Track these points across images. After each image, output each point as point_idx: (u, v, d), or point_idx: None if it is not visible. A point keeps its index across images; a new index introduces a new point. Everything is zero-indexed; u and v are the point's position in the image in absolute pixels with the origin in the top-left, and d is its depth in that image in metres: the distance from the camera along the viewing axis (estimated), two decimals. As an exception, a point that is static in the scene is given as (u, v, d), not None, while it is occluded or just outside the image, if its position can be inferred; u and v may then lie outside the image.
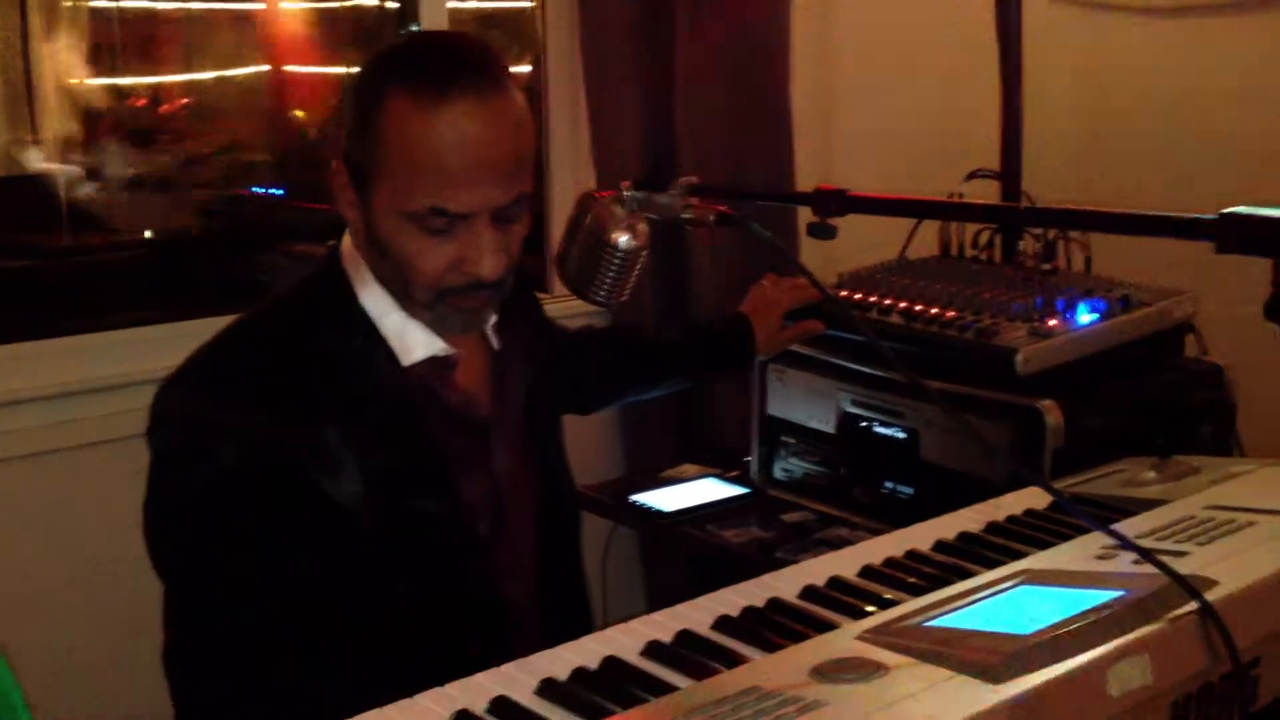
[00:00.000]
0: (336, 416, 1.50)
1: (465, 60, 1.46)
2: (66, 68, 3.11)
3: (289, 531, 1.48)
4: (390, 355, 1.54)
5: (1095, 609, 1.15)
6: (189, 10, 3.33)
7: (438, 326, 1.56)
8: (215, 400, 1.49)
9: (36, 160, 3.05)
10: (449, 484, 1.58)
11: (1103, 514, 1.50)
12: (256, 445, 1.46)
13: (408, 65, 1.46)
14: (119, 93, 3.27)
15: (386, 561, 1.53)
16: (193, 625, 1.52)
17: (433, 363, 1.58)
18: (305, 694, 1.48)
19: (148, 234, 3.23)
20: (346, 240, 1.60)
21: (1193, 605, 1.15)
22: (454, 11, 2.79)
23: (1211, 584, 1.20)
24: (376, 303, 1.56)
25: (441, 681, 1.16)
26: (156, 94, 3.38)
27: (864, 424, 2.15)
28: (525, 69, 3.12)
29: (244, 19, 3.40)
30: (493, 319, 1.63)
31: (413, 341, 1.56)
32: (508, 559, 1.67)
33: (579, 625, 1.80)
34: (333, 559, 1.51)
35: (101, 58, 3.23)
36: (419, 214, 1.45)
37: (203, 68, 3.40)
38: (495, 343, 1.67)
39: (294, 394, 1.49)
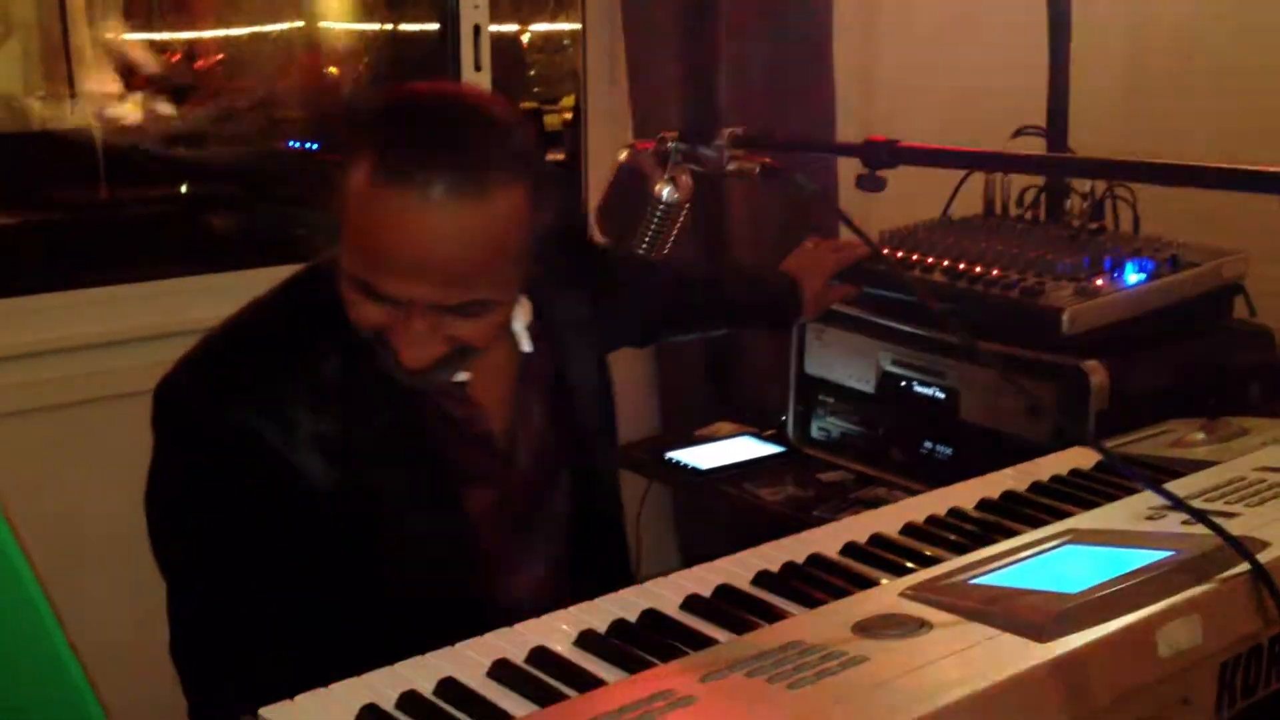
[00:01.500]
0: (333, 420, 1.46)
1: (451, 145, 1.33)
2: (103, 23, 3.11)
3: (285, 534, 1.46)
4: (392, 359, 1.43)
5: (1144, 569, 1.13)
6: (226, -36, 3.33)
7: (400, 376, 1.46)
8: (215, 398, 1.45)
9: (73, 114, 3.06)
10: (450, 495, 1.53)
11: (1151, 475, 1.48)
12: (250, 448, 1.43)
13: (388, 131, 1.35)
14: (155, 48, 3.27)
15: (385, 569, 1.50)
16: (191, 621, 1.51)
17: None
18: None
19: (183, 188, 3.24)
20: None
21: (1244, 566, 1.14)
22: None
23: (1263, 545, 1.19)
24: None
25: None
26: (192, 49, 3.37)
27: (903, 383, 2.13)
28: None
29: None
30: (525, 320, 1.56)
31: None
32: (525, 568, 1.62)
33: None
34: (331, 564, 1.48)
35: (138, 13, 3.23)
36: (358, 281, 1.37)
37: (238, 23, 3.40)
38: (526, 344, 1.58)
39: (295, 395, 1.45)
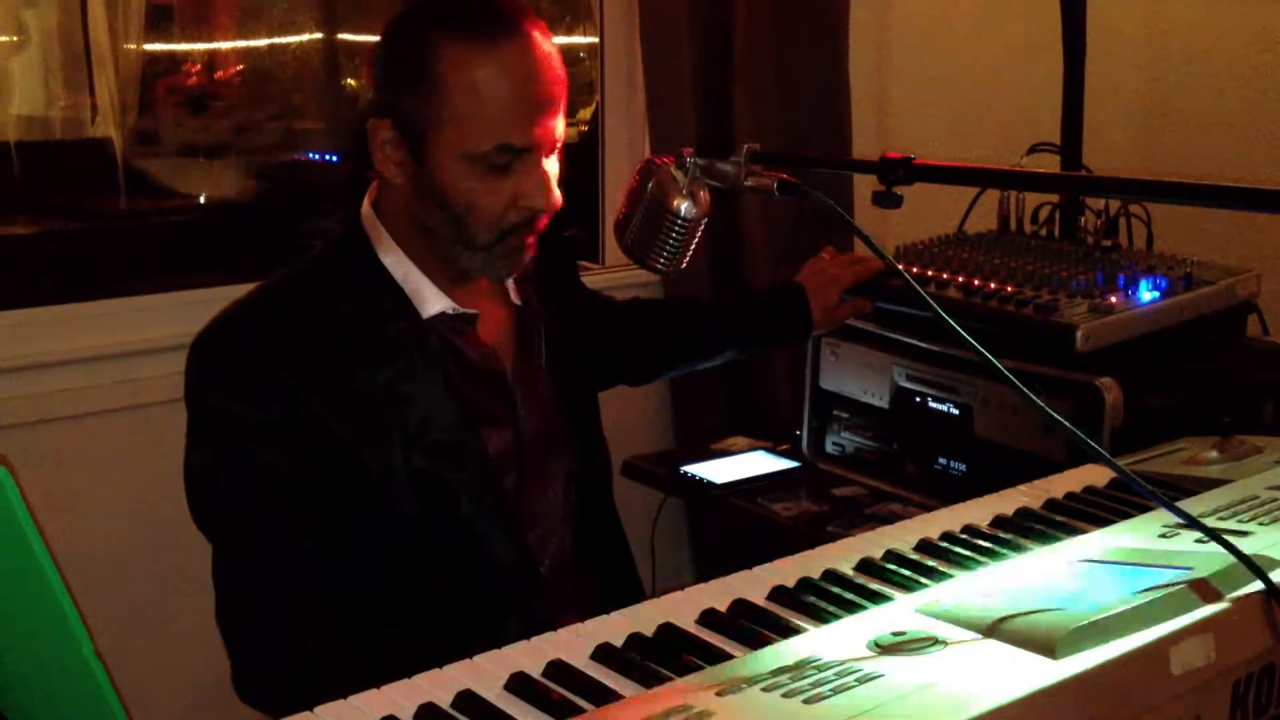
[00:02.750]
0: (362, 371, 1.55)
1: (504, 3, 1.54)
2: (124, 33, 3.12)
3: (320, 487, 1.52)
4: (411, 310, 1.60)
5: (1158, 587, 1.13)
6: (245, -24, 3.34)
7: (492, 270, 1.62)
8: (247, 362, 1.53)
9: (93, 125, 3.07)
10: (475, 436, 1.61)
11: (1165, 493, 1.48)
12: (287, 404, 1.50)
13: (452, 16, 1.53)
14: (175, 59, 3.29)
15: (415, 515, 1.56)
16: (237, 584, 1.56)
17: (453, 318, 1.62)
18: (353, 649, 1.51)
19: (202, 199, 3.25)
20: (365, 205, 1.65)
21: (1257, 585, 1.14)
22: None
23: (1276, 564, 1.19)
24: (396, 261, 1.61)
25: (478, 635, 1.16)
26: (211, 60, 3.39)
27: (918, 399, 2.14)
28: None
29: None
30: (512, 274, 1.68)
31: (429, 297, 1.61)
32: (536, 513, 1.70)
33: (622, 583, 1.81)
34: (364, 514, 1.54)
35: (158, 24, 3.25)
36: (484, 154, 1.51)
37: (258, 35, 3.41)
38: (515, 298, 1.72)
39: (321, 352, 1.54)
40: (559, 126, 1.55)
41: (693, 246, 1.48)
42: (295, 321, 1.57)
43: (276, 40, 3.42)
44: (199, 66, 3.35)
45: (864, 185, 1.78)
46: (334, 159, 3.40)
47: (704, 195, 1.45)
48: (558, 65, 1.55)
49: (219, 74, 3.41)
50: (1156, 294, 1.98)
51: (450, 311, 1.62)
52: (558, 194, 1.56)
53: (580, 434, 1.79)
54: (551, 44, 1.55)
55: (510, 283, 1.71)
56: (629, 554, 1.88)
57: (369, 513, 1.55)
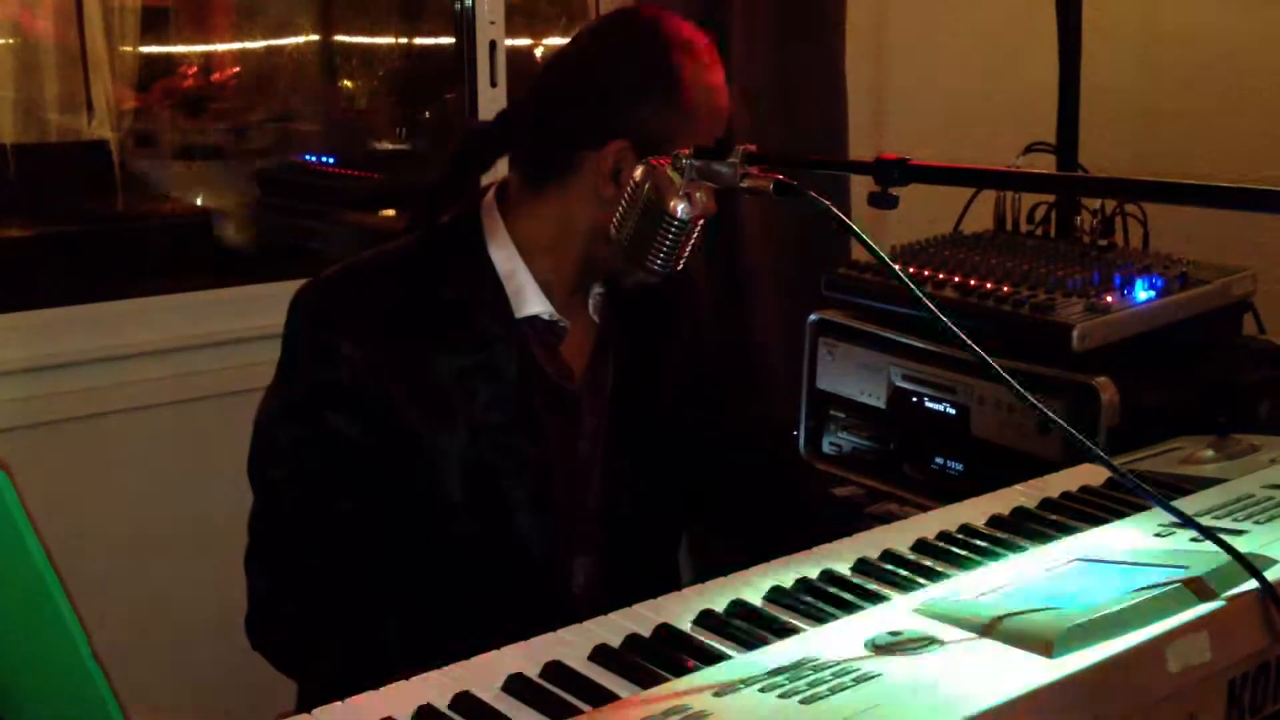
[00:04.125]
0: (441, 355, 1.59)
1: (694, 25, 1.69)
2: (120, 35, 3.12)
3: (369, 456, 1.57)
4: (506, 306, 1.63)
5: (1153, 586, 1.14)
6: (242, -21, 3.35)
7: (643, 276, 1.61)
8: (329, 322, 1.59)
9: (90, 127, 3.07)
10: (534, 442, 1.63)
11: (1161, 492, 1.48)
12: (356, 370, 1.55)
13: (675, 36, 1.64)
14: (171, 61, 3.29)
15: (459, 504, 1.59)
16: (267, 531, 1.61)
17: (544, 326, 1.66)
18: (362, 621, 1.53)
19: (199, 201, 3.25)
20: (489, 199, 1.69)
21: (1252, 584, 1.14)
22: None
23: (1271, 562, 1.19)
24: (506, 257, 1.65)
25: (498, 638, 1.17)
26: (208, 62, 3.39)
27: (915, 399, 2.14)
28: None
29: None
30: (599, 290, 1.73)
31: (529, 298, 1.65)
32: (579, 534, 1.70)
33: None
34: (408, 492, 1.58)
35: (155, 26, 3.25)
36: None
37: (254, 37, 3.41)
38: (596, 316, 1.74)
39: (405, 330, 1.59)
40: None
41: (689, 247, 1.48)
42: (388, 295, 1.62)
43: (273, 42, 3.42)
44: (195, 69, 3.35)
45: (861, 186, 1.77)
46: (330, 161, 3.40)
47: (700, 196, 1.45)
48: None
49: (215, 76, 3.41)
50: (1152, 293, 1.99)
51: (546, 316, 1.66)
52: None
53: (626, 473, 1.75)
54: None
55: (593, 299, 1.74)
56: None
57: (414, 492, 1.59)
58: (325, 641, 1.53)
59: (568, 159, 1.64)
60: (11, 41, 3.00)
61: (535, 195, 1.67)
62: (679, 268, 1.49)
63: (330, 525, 1.56)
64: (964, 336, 1.21)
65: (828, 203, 1.29)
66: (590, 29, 1.77)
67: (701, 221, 1.47)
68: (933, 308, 1.22)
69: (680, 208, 1.44)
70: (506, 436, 1.61)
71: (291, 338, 1.63)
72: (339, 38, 3.62)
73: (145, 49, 3.22)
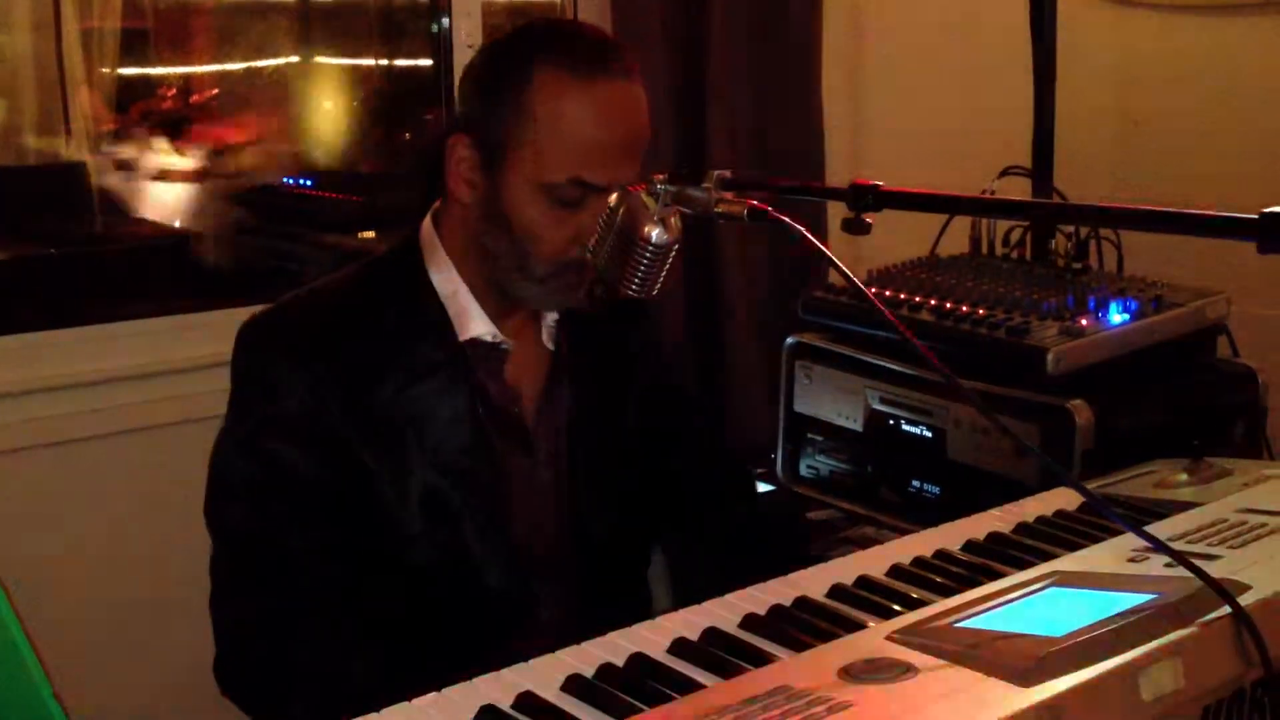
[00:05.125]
0: (387, 383, 1.57)
1: (610, 43, 1.59)
2: (99, 57, 3.12)
3: (322, 489, 1.54)
4: (448, 329, 1.61)
5: (1127, 612, 1.14)
6: (220, 1, 3.34)
7: (540, 302, 1.64)
8: (275, 355, 1.57)
9: (67, 149, 3.06)
10: (488, 466, 1.61)
11: (1134, 516, 1.49)
12: (305, 403, 1.53)
13: (557, 44, 1.55)
14: (150, 83, 3.28)
15: (417, 533, 1.57)
16: (226, 574, 1.58)
17: (487, 348, 1.63)
18: (341, 666, 1.50)
19: (177, 223, 3.24)
20: (426, 221, 1.66)
21: (1225, 609, 1.14)
22: (486, 4, 2.79)
23: (1244, 588, 1.19)
24: (445, 279, 1.63)
25: (467, 670, 1.16)
26: (187, 84, 3.39)
27: (891, 422, 2.14)
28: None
29: (275, 9, 3.40)
30: (554, 317, 1.69)
31: (472, 319, 1.62)
32: (540, 557, 1.68)
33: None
34: (365, 524, 1.56)
35: (134, 48, 3.24)
36: (557, 185, 1.53)
37: (233, 59, 3.41)
38: (550, 344, 1.71)
39: (350, 359, 1.57)
40: (634, 172, 1.56)
41: (664, 272, 1.49)
42: (330, 325, 1.60)
43: (253, 64, 3.42)
44: (174, 90, 3.35)
45: (836, 210, 1.77)
46: (309, 183, 3.39)
47: (675, 222, 1.45)
48: (644, 112, 1.57)
49: (194, 98, 3.41)
50: (1127, 316, 2.00)
51: (489, 338, 1.63)
52: None
53: (597, 495, 1.73)
54: (643, 90, 1.57)
55: (546, 326, 1.71)
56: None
57: (371, 524, 1.56)
58: (296, 685, 1.50)
59: (439, 156, 1.60)
60: (-11, 63, 3.00)
61: (447, 206, 1.65)
62: (654, 292, 1.50)
63: (290, 563, 1.53)
64: (934, 360, 1.21)
65: (801, 228, 1.30)
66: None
67: (676, 246, 1.47)
68: (904, 330, 1.23)
69: (655, 233, 1.45)
70: (457, 462, 1.59)
71: (236, 375, 1.60)
72: (319, 59, 3.62)
73: (124, 71, 3.21)
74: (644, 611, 1.81)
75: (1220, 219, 1.10)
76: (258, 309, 1.63)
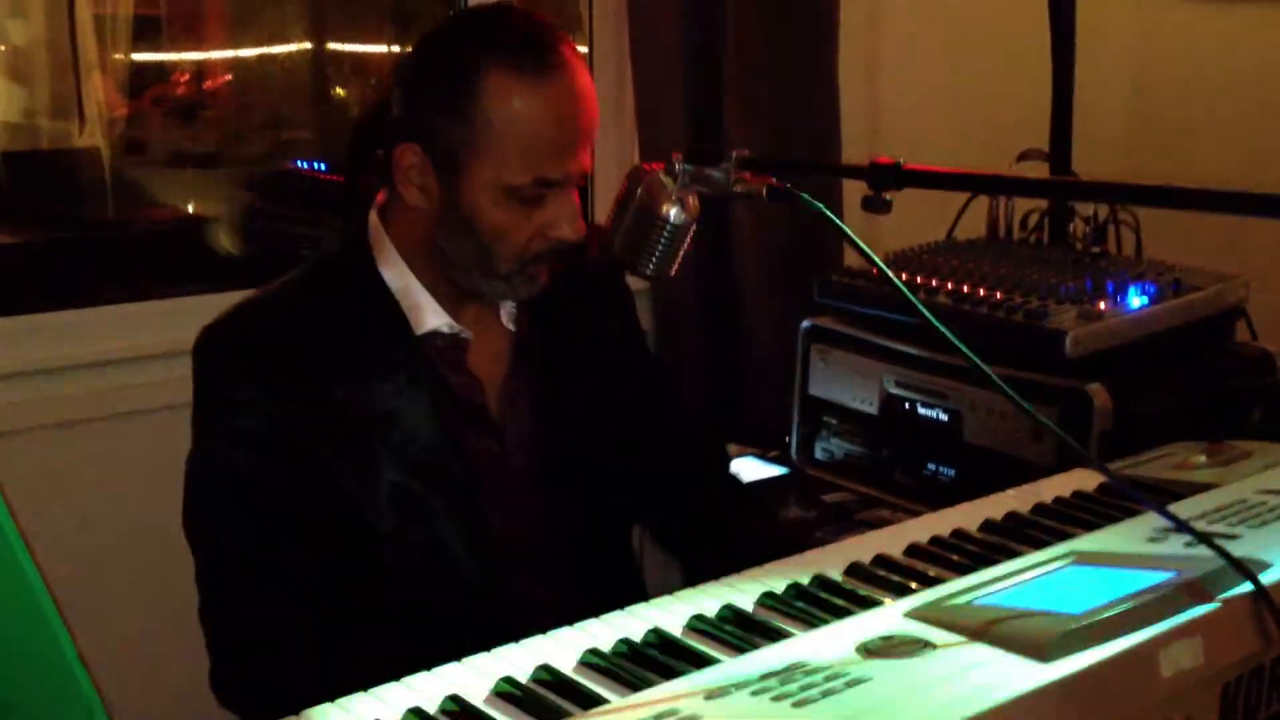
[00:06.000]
0: (346, 384, 1.54)
1: (549, 33, 1.52)
2: (112, 43, 3.12)
3: (292, 497, 1.52)
4: (404, 325, 1.58)
5: (1146, 590, 1.13)
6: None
7: (508, 294, 1.61)
8: (231, 366, 1.55)
9: (81, 135, 3.07)
10: (456, 460, 1.59)
11: (1154, 497, 1.48)
12: (265, 411, 1.51)
13: (499, 42, 1.50)
14: (163, 69, 3.29)
15: (388, 533, 1.55)
16: (212, 587, 1.57)
17: (446, 340, 1.61)
18: (337, 672, 1.49)
19: (190, 208, 3.25)
20: (373, 217, 1.63)
21: (1246, 587, 1.14)
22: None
23: (1265, 566, 1.19)
24: (396, 275, 1.60)
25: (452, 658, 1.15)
26: (201, 70, 3.39)
27: (907, 405, 2.14)
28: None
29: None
30: (527, 297, 1.65)
31: (426, 313, 1.60)
32: (519, 548, 1.66)
33: None
34: (338, 528, 1.54)
35: (147, 33, 3.24)
36: (520, 187, 1.50)
37: (247, 45, 3.41)
38: (511, 325, 1.68)
39: (306, 363, 1.54)
40: (589, 155, 1.55)
41: (682, 252, 1.48)
42: (283, 330, 1.57)
43: (266, 50, 3.42)
44: (187, 76, 3.35)
45: (852, 194, 1.76)
46: (323, 168, 3.40)
47: (692, 202, 1.45)
48: (593, 95, 1.54)
49: (208, 84, 3.41)
50: (1145, 300, 1.99)
51: (446, 330, 1.61)
52: (581, 224, 1.55)
53: (572, 477, 1.71)
54: (587, 73, 1.54)
55: (506, 309, 1.68)
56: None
57: (346, 527, 1.54)
58: (294, 694, 1.49)
59: (387, 160, 1.57)
60: (3, 49, 3.00)
61: (395, 202, 1.61)
62: (672, 273, 1.49)
63: (274, 574, 1.51)
64: (961, 345, 1.21)
65: (822, 205, 1.29)
66: (443, 21, 1.63)
67: (694, 226, 1.47)
68: (927, 314, 1.22)
69: (673, 212, 1.44)
70: (424, 460, 1.57)
71: (196, 391, 1.57)
72: (332, 46, 3.62)
73: (137, 56, 3.22)
74: (636, 592, 1.79)
75: (1245, 195, 1.09)
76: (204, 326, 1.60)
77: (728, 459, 2.09)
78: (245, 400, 1.52)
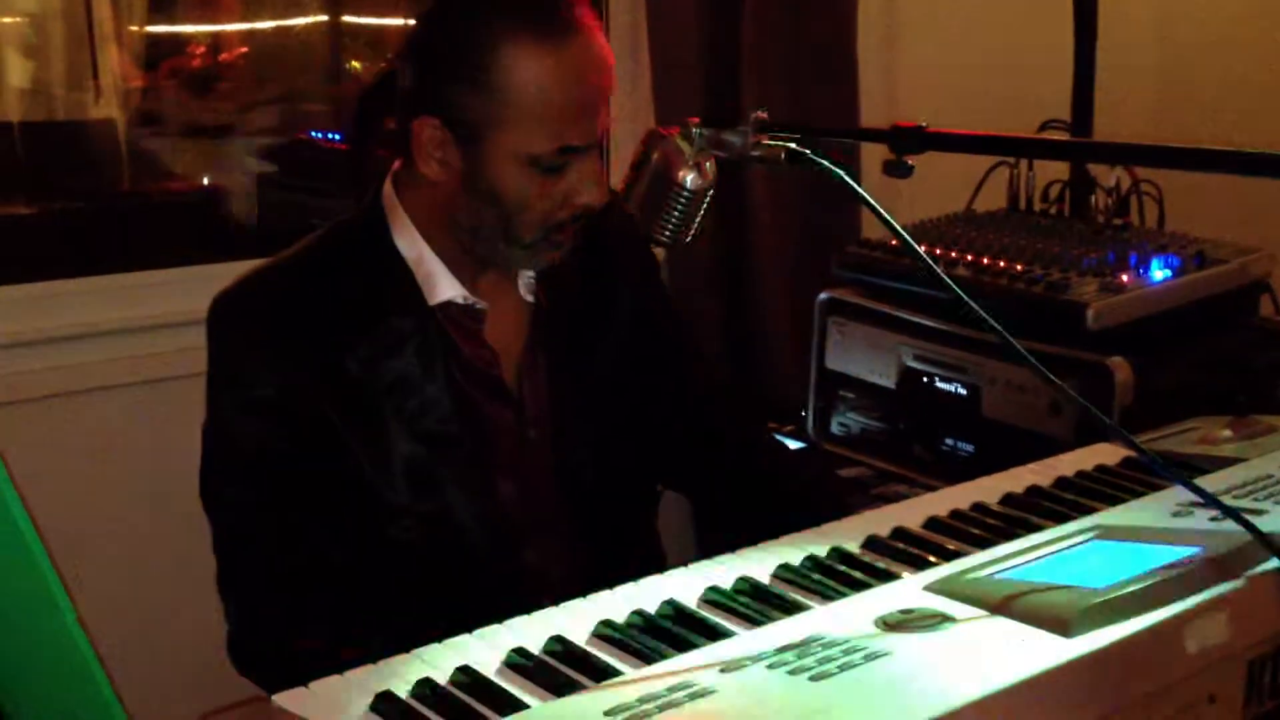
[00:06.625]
0: (360, 353, 1.53)
1: None
2: (127, 15, 3.10)
3: (306, 466, 1.52)
4: (418, 294, 1.57)
5: (1171, 565, 1.11)
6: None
7: (531, 263, 1.60)
8: (244, 334, 1.54)
9: (96, 106, 3.06)
10: (470, 431, 1.58)
11: (1179, 472, 1.46)
12: (278, 380, 1.51)
13: (516, 11, 1.47)
14: (179, 40, 3.27)
15: (401, 505, 1.54)
16: (228, 554, 1.56)
17: (461, 310, 1.59)
18: (356, 640, 1.48)
19: (205, 179, 3.23)
20: (387, 186, 1.61)
21: (1273, 563, 1.12)
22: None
23: (1293, 542, 1.16)
24: (410, 244, 1.58)
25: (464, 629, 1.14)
26: (216, 41, 3.37)
27: (925, 379, 2.11)
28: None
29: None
30: (530, 273, 1.64)
31: (440, 283, 1.58)
32: (535, 521, 1.64)
33: None
34: (350, 498, 1.53)
35: (162, 5, 3.23)
36: (544, 155, 1.48)
37: (263, 17, 3.39)
38: (529, 296, 1.66)
39: (320, 332, 1.53)
40: (608, 116, 1.54)
41: (699, 218, 1.46)
42: (297, 299, 1.56)
43: (281, 22, 3.40)
44: (203, 48, 3.33)
45: (871, 161, 1.74)
46: (337, 138, 3.38)
47: (710, 166, 1.42)
48: (610, 56, 1.52)
49: (223, 55, 3.39)
50: (1168, 273, 1.96)
51: (460, 300, 1.59)
52: (605, 189, 1.54)
53: (589, 449, 1.68)
54: (602, 33, 1.52)
55: (524, 279, 1.65)
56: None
57: (361, 497, 1.53)
58: (312, 661, 1.48)
59: (403, 133, 1.54)
60: (18, 20, 2.99)
61: (410, 173, 1.59)
62: (688, 239, 1.47)
63: (290, 541, 1.51)
64: (989, 318, 1.18)
65: (842, 171, 1.26)
66: None
67: (711, 192, 1.44)
68: (954, 287, 1.19)
69: (689, 178, 1.42)
70: (437, 432, 1.55)
71: (210, 359, 1.56)
72: (347, 18, 3.59)
73: (153, 28, 3.20)
74: (654, 562, 1.77)
75: (1268, 157, 1.06)
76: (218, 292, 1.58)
77: (765, 419, 2.06)
78: (258, 369, 1.51)
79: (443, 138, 1.51)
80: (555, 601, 1.19)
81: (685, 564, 1.28)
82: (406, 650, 1.10)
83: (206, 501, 1.57)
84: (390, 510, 1.54)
